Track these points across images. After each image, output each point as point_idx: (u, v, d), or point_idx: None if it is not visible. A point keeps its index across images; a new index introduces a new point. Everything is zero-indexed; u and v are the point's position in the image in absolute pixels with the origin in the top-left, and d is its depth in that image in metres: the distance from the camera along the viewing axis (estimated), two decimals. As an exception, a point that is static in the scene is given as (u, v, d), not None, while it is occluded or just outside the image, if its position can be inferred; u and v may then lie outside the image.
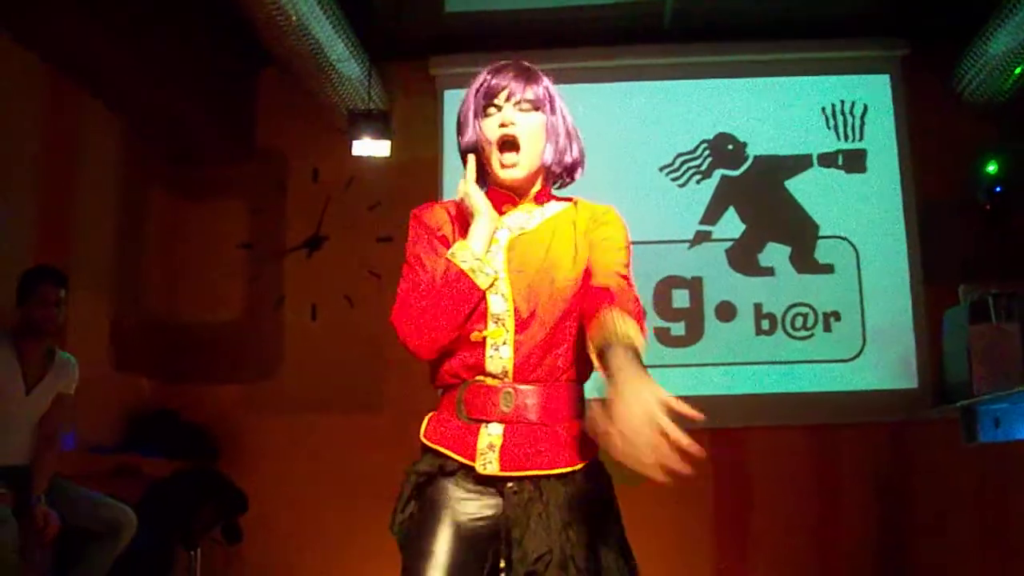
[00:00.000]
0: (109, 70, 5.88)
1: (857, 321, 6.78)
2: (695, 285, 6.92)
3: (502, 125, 2.32)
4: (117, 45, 5.62)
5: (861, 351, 6.75)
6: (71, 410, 4.94)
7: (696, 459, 1.73)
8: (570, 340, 2.31)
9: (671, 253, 6.93)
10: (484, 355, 2.28)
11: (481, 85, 2.36)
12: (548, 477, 2.24)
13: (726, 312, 6.88)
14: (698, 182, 7.05)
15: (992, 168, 6.51)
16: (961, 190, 6.68)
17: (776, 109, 7.08)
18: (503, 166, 2.34)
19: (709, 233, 6.99)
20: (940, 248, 6.66)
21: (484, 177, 2.42)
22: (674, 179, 7.06)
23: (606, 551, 2.22)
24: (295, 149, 7.34)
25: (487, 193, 2.40)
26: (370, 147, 6.49)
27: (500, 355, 2.28)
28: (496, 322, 2.29)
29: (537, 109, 2.35)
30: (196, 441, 6.72)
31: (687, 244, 6.96)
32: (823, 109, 7.03)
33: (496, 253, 2.34)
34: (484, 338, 2.28)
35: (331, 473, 6.75)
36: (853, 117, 6.98)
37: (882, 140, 6.97)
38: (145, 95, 6.28)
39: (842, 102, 7.02)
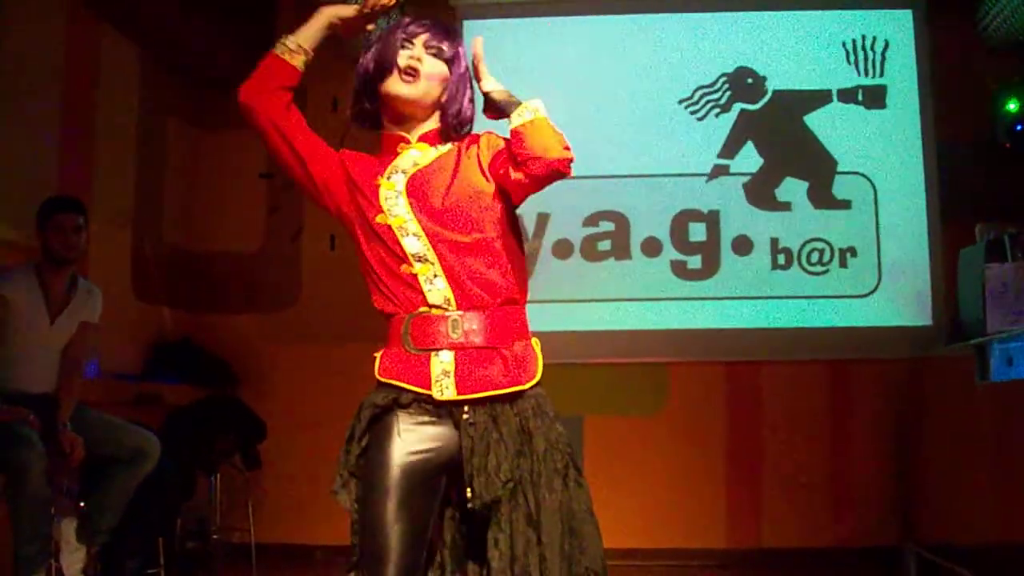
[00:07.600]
0: (128, -1, 5.88)
1: (873, 257, 6.77)
2: (712, 219, 6.90)
3: (411, 58, 2.44)
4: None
5: (876, 287, 6.76)
6: (95, 338, 5.01)
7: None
8: (504, 258, 2.41)
9: (689, 186, 6.91)
10: (422, 289, 2.36)
11: (400, 26, 2.49)
12: (501, 401, 2.32)
13: (743, 246, 6.89)
14: (717, 116, 7.01)
15: (1013, 107, 6.46)
16: (981, 128, 6.65)
17: (797, 44, 7.01)
18: (403, 77, 2.45)
19: (727, 167, 6.96)
20: (958, 186, 6.61)
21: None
22: (693, 112, 7.02)
23: (555, 473, 2.30)
24: (315, 78, 7.27)
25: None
26: (390, 78, 6.45)
27: (436, 287, 2.36)
28: (419, 260, 2.37)
29: (444, 60, 2.47)
30: (216, 370, 6.80)
31: (705, 178, 6.93)
32: (844, 44, 6.95)
33: (396, 198, 2.42)
34: (415, 274, 2.36)
35: (347, 403, 6.76)
36: (874, 53, 6.92)
37: (903, 76, 6.89)
38: (164, 23, 6.26)
39: (863, 37, 6.94)
